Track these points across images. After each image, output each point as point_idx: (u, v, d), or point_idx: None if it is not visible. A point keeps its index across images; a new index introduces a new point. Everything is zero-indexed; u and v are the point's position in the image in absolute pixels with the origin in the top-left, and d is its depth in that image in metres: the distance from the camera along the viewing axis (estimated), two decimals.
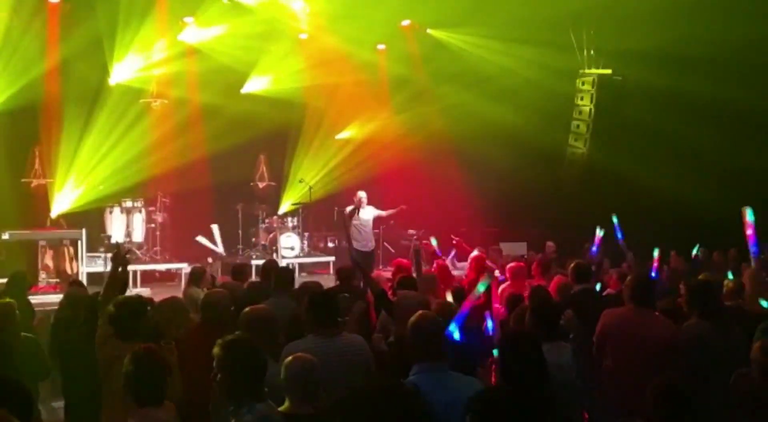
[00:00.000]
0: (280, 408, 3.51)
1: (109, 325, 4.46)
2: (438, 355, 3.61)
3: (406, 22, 15.33)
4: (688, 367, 4.66)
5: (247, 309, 4.42)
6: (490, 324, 5.46)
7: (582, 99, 14.70)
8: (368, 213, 11.72)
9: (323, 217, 15.78)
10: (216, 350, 3.49)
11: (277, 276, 6.53)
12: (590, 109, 14.57)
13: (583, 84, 14.66)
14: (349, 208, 11.60)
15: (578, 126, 14.90)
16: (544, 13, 13.67)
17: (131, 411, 3.64)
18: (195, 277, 7.56)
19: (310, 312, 4.45)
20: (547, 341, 4.07)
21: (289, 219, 14.93)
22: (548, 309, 4.61)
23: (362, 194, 11.64)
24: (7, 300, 5.72)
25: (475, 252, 8.56)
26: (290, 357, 3.68)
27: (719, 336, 4.72)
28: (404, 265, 8.17)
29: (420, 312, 3.91)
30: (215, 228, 12.23)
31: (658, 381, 3.50)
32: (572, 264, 6.58)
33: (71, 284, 7.54)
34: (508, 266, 7.34)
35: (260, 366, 3.43)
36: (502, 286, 6.89)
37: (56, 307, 8.59)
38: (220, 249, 10.44)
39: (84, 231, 11.90)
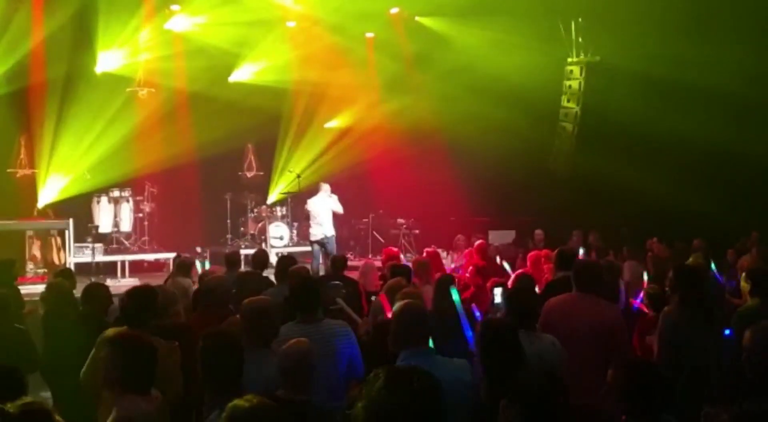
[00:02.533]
0: (277, 392, 3.49)
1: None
2: (422, 340, 3.63)
3: (394, 10, 15.27)
4: (663, 354, 4.61)
5: (246, 300, 4.42)
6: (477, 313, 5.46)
7: (570, 86, 14.72)
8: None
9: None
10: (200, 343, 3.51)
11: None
12: (579, 97, 14.60)
13: (571, 71, 14.67)
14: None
15: (566, 114, 14.92)
16: (532, 1, 13.67)
17: (116, 399, 3.54)
18: (183, 268, 7.54)
19: (292, 298, 4.47)
20: (521, 329, 4.04)
21: (278, 208, 14.91)
22: (521, 298, 4.56)
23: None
24: (1, 290, 5.69)
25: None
26: (287, 344, 3.67)
27: (698, 325, 4.62)
28: (393, 254, 8.30)
29: (403, 301, 3.93)
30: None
31: (619, 363, 3.45)
32: (555, 251, 6.56)
33: (57, 275, 7.43)
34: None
35: (235, 364, 3.40)
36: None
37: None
38: None
39: (71, 221, 11.84)
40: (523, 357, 3.76)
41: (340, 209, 11.98)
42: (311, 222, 12.00)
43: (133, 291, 4.69)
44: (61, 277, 6.63)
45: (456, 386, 3.36)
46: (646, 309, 5.82)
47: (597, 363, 3.48)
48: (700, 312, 4.66)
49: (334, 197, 11.97)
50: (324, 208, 11.86)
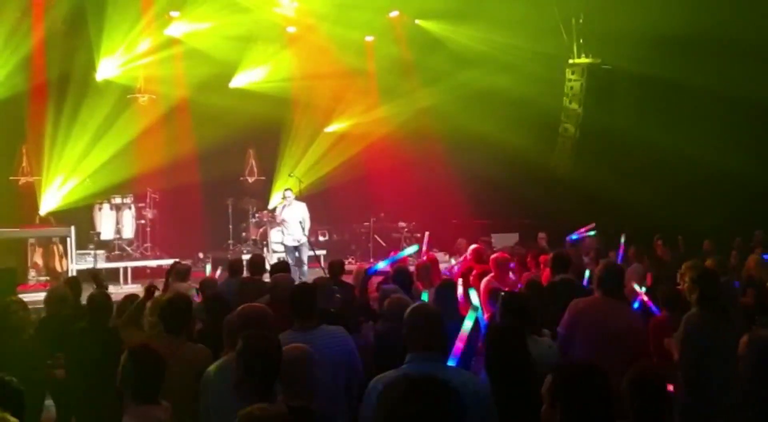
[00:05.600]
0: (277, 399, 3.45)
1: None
2: (431, 346, 3.49)
3: (394, 13, 15.27)
4: (690, 358, 4.60)
5: (239, 307, 4.39)
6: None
7: (571, 88, 14.70)
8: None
9: (313, 211, 15.76)
10: (239, 342, 3.50)
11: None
12: (580, 99, 14.58)
13: (572, 73, 14.65)
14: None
15: (568, 115, 14.90)
16: (532, 3, 13.65)
17: (128, 408, 3.60)
18: (181, 273, 7.54)
19: (289, 305, 4.43)
20: None
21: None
22: (517, 302, 4.51)
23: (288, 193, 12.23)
24: (3, 299, 5.66)
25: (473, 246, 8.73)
26: (283, 349, 3.59)
27: (720, 327, 4.57)
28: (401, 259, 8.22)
29: (417, 303, 3.86)
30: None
31: (632, 370, 3.48)
32: (551, 255, 6.52)
33: (65, 282, 7.42)
34: (492, 257, 7.26)
35: (273, 365, 3.40)
36: (485, 278, 6.83)
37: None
38: None
39: (73, 228, 11.83)
40: (530, 361, 3.72)
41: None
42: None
43: (174, 299, 4.75)
44: (67, 286, 6.64)
45: (465, 394, 3.28)
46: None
47: (620, 369, 3.48)
48: (721, 314, 4.64)
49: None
50: None
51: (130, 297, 6.17)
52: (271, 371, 3.40)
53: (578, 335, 4.74)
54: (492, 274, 6.94)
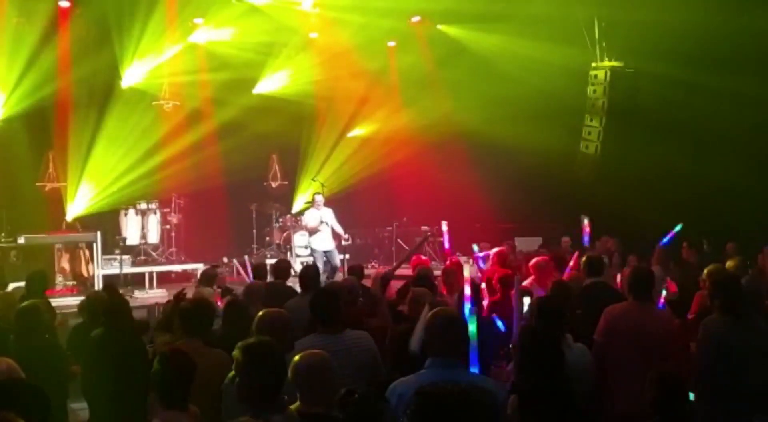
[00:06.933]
0: (291, 407, 3.43)
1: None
2: (450, 351, 3.48)
3: (416, 19, 15.28)
4: (706, 363, 4.57)
5: (261, 312, 4.41)
6: (500, 323, 5.36)
7: (594, 92, 14.59)
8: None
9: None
10: (236, 353, 3.47)
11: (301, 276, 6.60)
12: (603, 102, 14.46)
13: (595, 77, 14.54)
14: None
15: (591, 119, 14.79)
16: (554, 7, 13.58)
17: (156, 412, 3.64)
18: (207, 278, 7.60)
19: (312, 310, 4.45)
20: None
21: (303, 217, 14.95)
22: (553, 305, 4.51)
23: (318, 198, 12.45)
24: (34, 301, 5.74)
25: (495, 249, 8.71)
26: (300, 354, 3.58)
27: (742, 332, 4.54)
28: (423, 262, 8.22)
29: (438, 308, 3.85)
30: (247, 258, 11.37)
31: (653, 370, 3.51)
32: (584, 258, 6.52)
33: (103, 289, 7.51)
34: (532, 261, 7.25)
35: (280, 373, 3.36)
36: (525, 282, 6.80)
37: (73, 310, 8.67)
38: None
39: (99, 233, 11.96)
40: (563, 365, 3.70)
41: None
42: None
43: (196, 303, 4.80)
44: (104, 292, 6.72)
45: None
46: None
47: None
48: (741, 319, 4.60)
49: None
50: None
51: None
52: (272, 380, 3.34)
53: (615, 342, 4.80)
54: (532, 277, 6.95)
